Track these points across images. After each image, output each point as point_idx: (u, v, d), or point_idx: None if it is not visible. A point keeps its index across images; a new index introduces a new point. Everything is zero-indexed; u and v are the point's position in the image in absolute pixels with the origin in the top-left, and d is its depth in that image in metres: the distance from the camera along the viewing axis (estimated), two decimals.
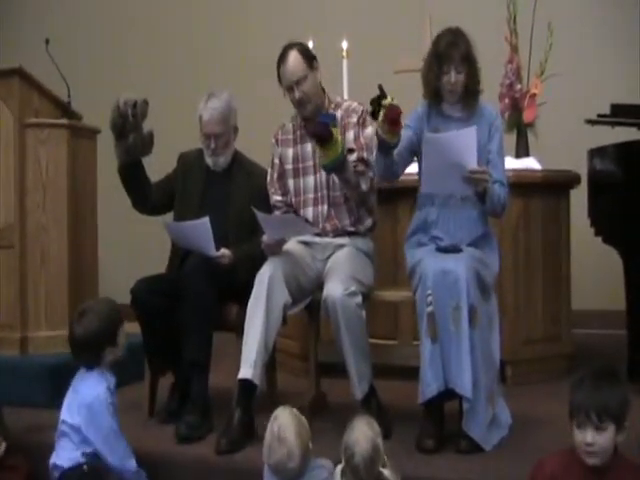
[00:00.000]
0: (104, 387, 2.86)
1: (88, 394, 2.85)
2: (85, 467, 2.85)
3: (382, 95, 2.98)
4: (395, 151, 3.14)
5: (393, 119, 2.96)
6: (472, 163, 3.06)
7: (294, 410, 2.66)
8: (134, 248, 6.33)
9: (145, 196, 3.69)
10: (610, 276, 4.29)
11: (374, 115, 3.01)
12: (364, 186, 3.38)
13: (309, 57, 3.47)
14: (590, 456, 2.25)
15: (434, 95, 3.23)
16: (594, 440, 2.23)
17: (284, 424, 2.59)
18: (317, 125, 3.15)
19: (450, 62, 3.14)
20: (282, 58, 3.45)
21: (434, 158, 3.05)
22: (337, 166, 3.21)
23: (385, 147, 3.10)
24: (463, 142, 3.05)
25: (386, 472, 2.47)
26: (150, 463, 3.07)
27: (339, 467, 2.53)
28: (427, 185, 3.16)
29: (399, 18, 5.75)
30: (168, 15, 6.64)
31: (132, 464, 2.91)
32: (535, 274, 4.15)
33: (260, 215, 3.29)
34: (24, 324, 3.94)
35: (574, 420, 2.27)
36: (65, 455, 2.86)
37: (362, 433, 2.47)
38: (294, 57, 3.43)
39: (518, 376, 4.02)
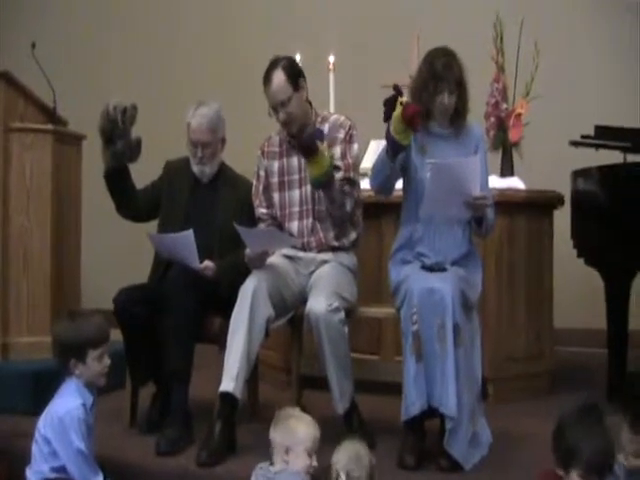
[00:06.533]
0: (78, 403, 2.76)
1: (61, 406, 2.77)
2: None
3: (398, 93, 2.97)
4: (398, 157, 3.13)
5: (410, 116, 2.94)
6: (475, 190, 3.08)
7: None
8: (118, 254, 6.29)
9: (130, 202, 3.69)
10: (592, 295, 4.31)
11: (387, 116, 2.99)
12: (348, 206, 3.38)
13: (295, 76, 3.39)
14: None
15: (425, 114, 3.22)
16: None
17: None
18: (304, 138, 3.15)
19: (445, 84, 3.17)
20: (267, 78, 3.39)
21: (439, 184, 3.05)
22: (324, 181, 3.21)
23: (394, 149, 3.07)
24: (467, 169, 3.08)
25: None
26: (130, 474, 3.06)
27: None
28: (427, 210, 3.14)
29: (387, 33, 5.76)
30: (156, 22, 6.62)
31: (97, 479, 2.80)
32: (518, 292, 4.16)
33: (241, 229, 3.28)
34: (5, 329, 3.92)
35: (575, 470, 2.21)
36: (34, 467, 2.78)
37: (353, 457, 2.47)
38: (278, 78, 3.36)
39: (500, 393, 4.02)
